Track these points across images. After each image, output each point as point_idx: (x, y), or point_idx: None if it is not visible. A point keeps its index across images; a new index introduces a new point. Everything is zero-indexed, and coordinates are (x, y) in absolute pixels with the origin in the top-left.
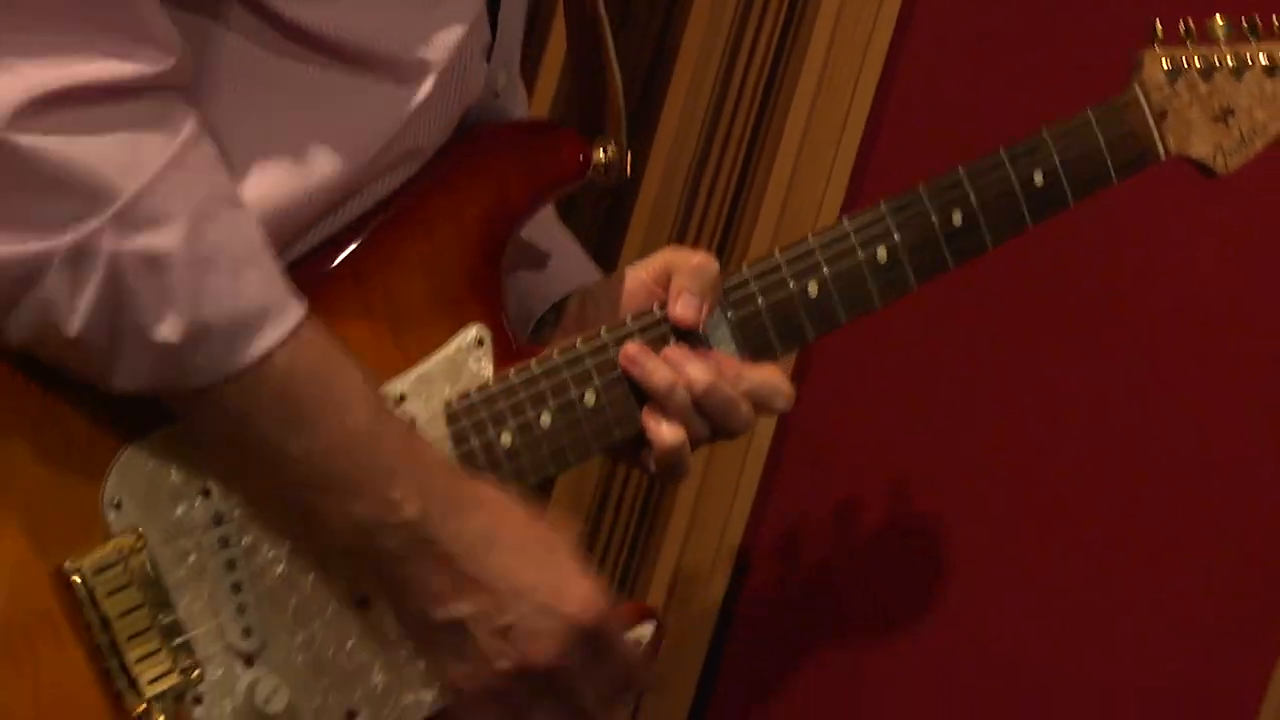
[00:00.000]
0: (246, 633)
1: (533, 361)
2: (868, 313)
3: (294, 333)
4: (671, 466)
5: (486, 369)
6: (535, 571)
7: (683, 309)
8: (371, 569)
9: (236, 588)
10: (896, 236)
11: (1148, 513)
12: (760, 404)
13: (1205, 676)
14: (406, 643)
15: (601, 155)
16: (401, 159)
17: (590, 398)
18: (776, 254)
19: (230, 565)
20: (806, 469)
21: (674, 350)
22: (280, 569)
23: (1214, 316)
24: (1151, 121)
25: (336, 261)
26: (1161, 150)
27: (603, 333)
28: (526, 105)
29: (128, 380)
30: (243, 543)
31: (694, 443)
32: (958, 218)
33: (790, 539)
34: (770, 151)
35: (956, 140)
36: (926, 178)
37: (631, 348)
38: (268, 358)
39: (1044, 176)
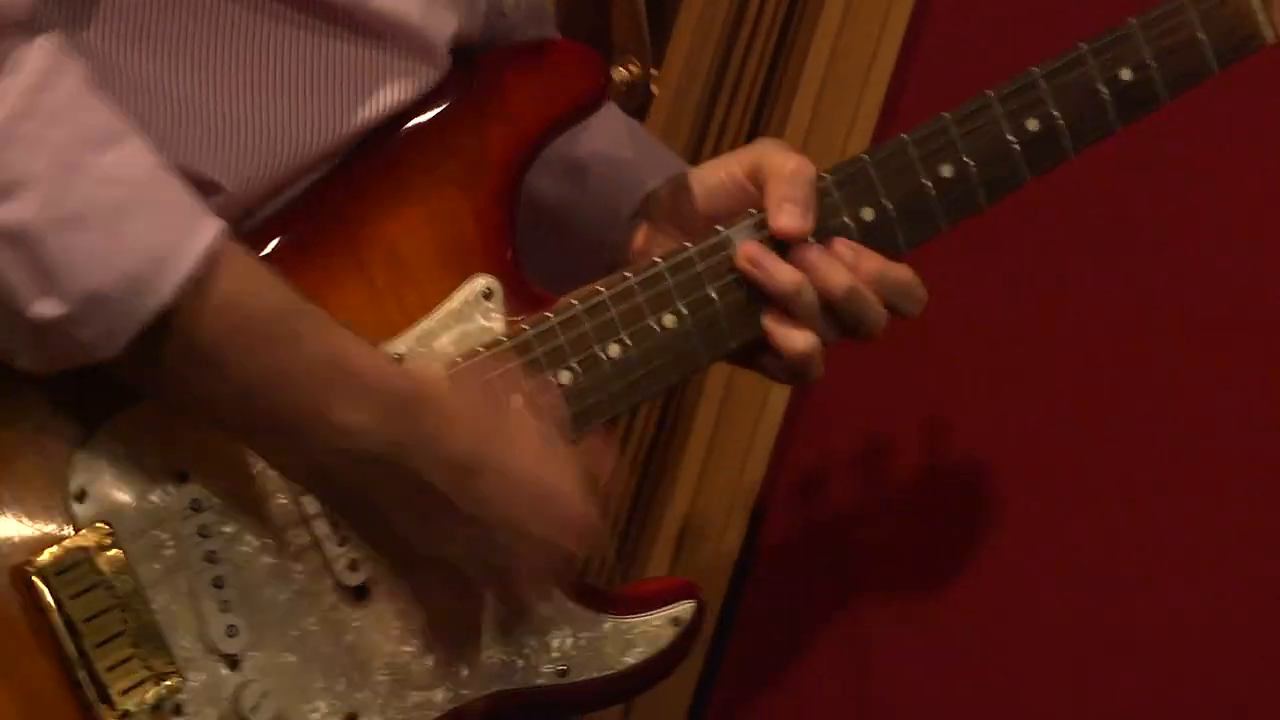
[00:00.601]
0: (231, 632)
1: (600, 285)
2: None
3: (195, 277)
4: (803, 372)
5: (496, 322)
6: (529, 498)
7: (788, 219)
8: (351, 509)
9: (219, 582)
10: (962, 151)
11: (1173, 500)
12: (894, 305)
13: (1235, 674)
14: (412, 638)
15: (624, 74)
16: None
17: (686, 310)
18: (827, 176)
19: (211, 558)
20: (826, 422)
21: (809, 250)
22: (267, 559)
23: (1247, 312)
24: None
25: (322, 212)
26: (1271, 32)
27: (692, 251)
28: (549, 21)
29: (33, 363)
30: (225, 531)
31: (823, 345)
32: (1033, 124)
33: (810, 491)
34: (799, 55)
35: (1010, 30)
36: (993, 83)
37: (751, 248)
38: (170, 313)
39: (1133, 71)
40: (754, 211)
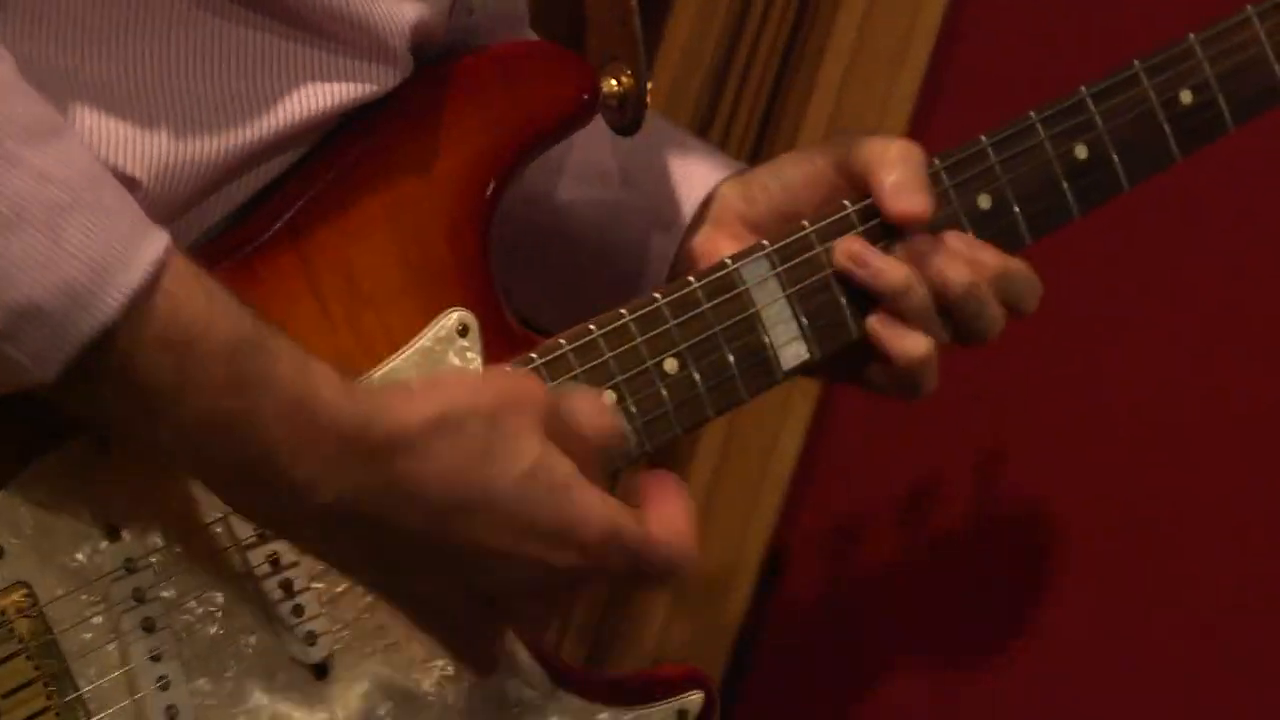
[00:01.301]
0: (170, 714)
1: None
2: None
3: (144, 291)
4: (917, 381)
5: (473, 363)
6: (524, 526)
7: (907, 203)
8: (321, 558)
9: (156, 655)
10: (1005, 179)
11: (1189, 508)
12: (1012, 303)
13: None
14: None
15: (614, 85)
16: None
17: (689, 355)
18: (936, 161)
19: (147, 625)
20: (847, 467)
21: (918, 242)
22: (213, 630)
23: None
24: None
25: (274, 229)
26: None
27: (696, 287)
28: (523, 23)
29: None
30: (164, 595)
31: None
32: (1082, 151)
33: (830, 546)
34: (810, 64)
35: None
36: (1037, 103)
37: (854, 244)
38: (114, 333)
39: (1194, 94)
40: (766, 244)
